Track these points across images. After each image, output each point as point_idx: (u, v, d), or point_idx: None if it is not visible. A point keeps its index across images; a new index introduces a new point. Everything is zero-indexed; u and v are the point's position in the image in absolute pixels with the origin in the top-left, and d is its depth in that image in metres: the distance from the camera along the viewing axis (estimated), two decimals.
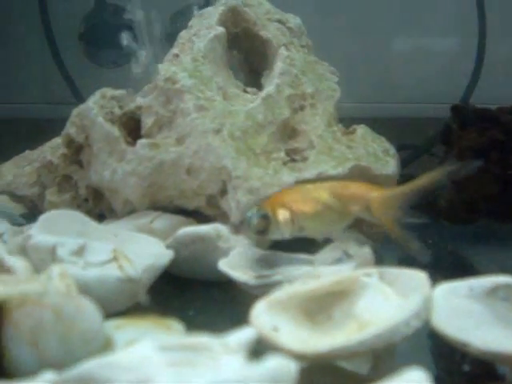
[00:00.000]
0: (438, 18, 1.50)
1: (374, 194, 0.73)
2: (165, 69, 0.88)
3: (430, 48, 1.51)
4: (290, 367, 0.41)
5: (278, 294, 0.60)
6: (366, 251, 0.74)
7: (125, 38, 1.62)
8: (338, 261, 0.75)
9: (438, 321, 0.55)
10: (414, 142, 1.43)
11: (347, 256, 0.75)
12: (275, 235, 0.73)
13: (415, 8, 1.50)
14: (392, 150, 0.92)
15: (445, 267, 0.98)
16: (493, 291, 0.59)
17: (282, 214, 0.72)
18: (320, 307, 0.61)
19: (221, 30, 0.96)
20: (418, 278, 0.60)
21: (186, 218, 0.85)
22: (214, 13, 1.01)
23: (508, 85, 1.45)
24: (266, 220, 0.71)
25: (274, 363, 0.40)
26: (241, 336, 0.46)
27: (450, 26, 1.50)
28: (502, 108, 0.96)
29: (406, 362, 0.56)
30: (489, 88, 1.42)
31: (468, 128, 0.92)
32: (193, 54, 0.91)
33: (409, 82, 1.50)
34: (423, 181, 0.74)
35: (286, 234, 0.73)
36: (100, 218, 0.90)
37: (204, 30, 0.98)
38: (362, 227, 0.85)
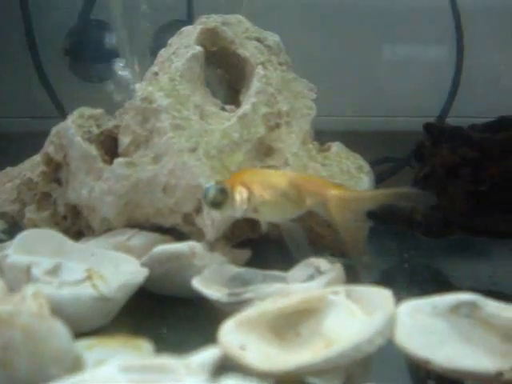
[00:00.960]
0: (416, 33, 1.52)
1: (333, 191, 0.74)
2: (142, 88, 0.89)
3: (408, 62, 1.53)
4: None
5: (246, 313, 0.61)
6: (337, 268, 0.75)
7: (109, 53, 1.64)
8: (310, 277, 0.77)
9: (401, 338, 0.57)
10: (396, 155, 1.46)
11: (319, 273, 0.77)
12: (229, 211, 0.75)
13: (394, 23, 1.51)
14: (366, 167, 0.93)
15: (419, 281, 1.00)
16: (456, 308, 0.60)
17: (240, 192, 0.74)
18: (288, 325, 0.62)
19: (198, 49, 0.97)
20: (382, 295, 0.61)
21: (163, 235, 0.86)
22: (192, 32, 1.02)
23: (486, 99, 1.47)
24: (223, 194, 0.72)
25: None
26: (204, 356, 0.48)
27: (428, 41, 1.51)
28: (475, 126, 0.98)
29: (377, 379, 0.58)
30: (467, 102, 1.45)
31: (440, 145, 0.94)
32: (170, 74, 0.93)
33: (389, 95, 1.52)
34: (384, 192, 0.76)
35: (239, 212, 0.74)
36: (79, 235, 0.91)
37: (183, 48, 1.00)
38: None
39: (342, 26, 1.50)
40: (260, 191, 0.74)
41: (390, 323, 0.58)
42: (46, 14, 1.57)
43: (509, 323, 0.59)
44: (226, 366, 0.55)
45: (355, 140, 1.37)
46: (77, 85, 1.62)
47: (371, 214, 1.06)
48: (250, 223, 0.90)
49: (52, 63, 1.55)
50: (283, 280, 0.78)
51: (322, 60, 1.50)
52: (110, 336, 0.59)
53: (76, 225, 0.93)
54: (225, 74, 1.08)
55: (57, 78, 1.52)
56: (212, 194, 0.72)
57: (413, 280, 1.02)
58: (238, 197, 0.73)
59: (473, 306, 0.60)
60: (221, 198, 0.73)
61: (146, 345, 0.57)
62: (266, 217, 0.76)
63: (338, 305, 0.63)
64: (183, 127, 0.86)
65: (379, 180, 1.15)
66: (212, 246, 0.83)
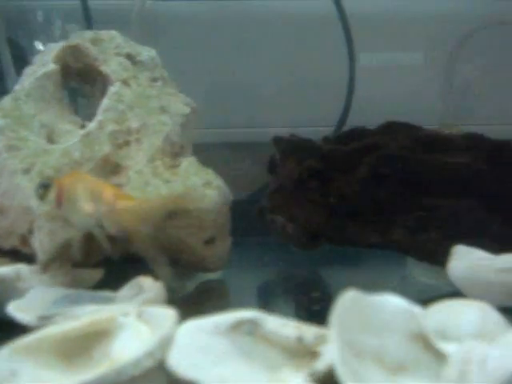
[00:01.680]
0: (310, 41, 1.52)
1: (122, 202, 0.74)
2: None
3: (304, 72, 1.53)
4: None
5: (25, 338, 0.60)
6: (157, 286, 0.75)
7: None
8: (135, 296, 0.76)
9: (172, 359, 0.56)
10: None
11: (142, 291, 0.76)
12: (49, 205, 0.81)
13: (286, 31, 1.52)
14: (216, 183, 0.93)
15: (284, 292, 1.01)
16: (237, 326, 0.60)
17: (54, 189, 0.80)
18: (80, 348, 0.62)
19: (52, 67, 0.97)
20: (166, 315, 0.61)
21: (1, 257, 0.85)
22: (53, 49, 1.02)
23: (382, 106, 1.48)
24: (45, 189, 0.80)
25: None
26: None
27: (320, 49, 1.52)
28: (327, 137, 0.98)
29: None
30: (363, 110, 1.47)
31: (288, 158, 0.94)
32: (16, 93, 0.92)
33: (287, 106, 1.52)
34: (173, 199, 0.80)
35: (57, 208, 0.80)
36: None
37: (41, 66, 0.99)
38: None
39: (236, 37, 1.50)
40: (67, 191, 0.78)
41: (163, 344, 0.57)
42: None
43: (286, 340, 0.59)
44: None
45: (252, 151, 1.37)
46: None
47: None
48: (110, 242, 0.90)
49: None
50: (111, 300, 0.77)
51: (221, 72, 1.51)
52: None
53: None
54: (94, 91, 1.07)
55: None
56: (37, 188, 0.81)
57: (277, 293, 1.03)
58: (53, 192, 0.79)
59: (254, 323, 0.60)
60: (42, 193, 0.80)
61: None
62: (69, 215, 0.79)
63: (127, 326, 0.62)
64: (18, 148, 0.85)
65: None
66: (45, 268, 0.82)
